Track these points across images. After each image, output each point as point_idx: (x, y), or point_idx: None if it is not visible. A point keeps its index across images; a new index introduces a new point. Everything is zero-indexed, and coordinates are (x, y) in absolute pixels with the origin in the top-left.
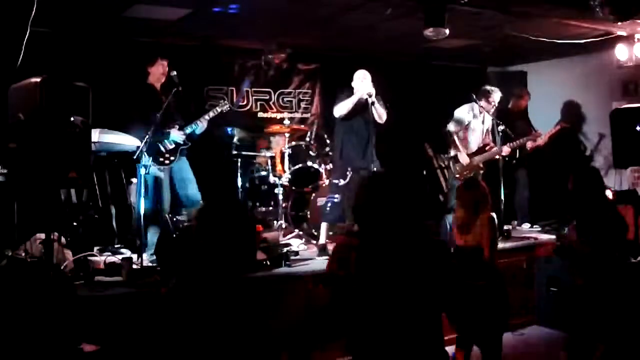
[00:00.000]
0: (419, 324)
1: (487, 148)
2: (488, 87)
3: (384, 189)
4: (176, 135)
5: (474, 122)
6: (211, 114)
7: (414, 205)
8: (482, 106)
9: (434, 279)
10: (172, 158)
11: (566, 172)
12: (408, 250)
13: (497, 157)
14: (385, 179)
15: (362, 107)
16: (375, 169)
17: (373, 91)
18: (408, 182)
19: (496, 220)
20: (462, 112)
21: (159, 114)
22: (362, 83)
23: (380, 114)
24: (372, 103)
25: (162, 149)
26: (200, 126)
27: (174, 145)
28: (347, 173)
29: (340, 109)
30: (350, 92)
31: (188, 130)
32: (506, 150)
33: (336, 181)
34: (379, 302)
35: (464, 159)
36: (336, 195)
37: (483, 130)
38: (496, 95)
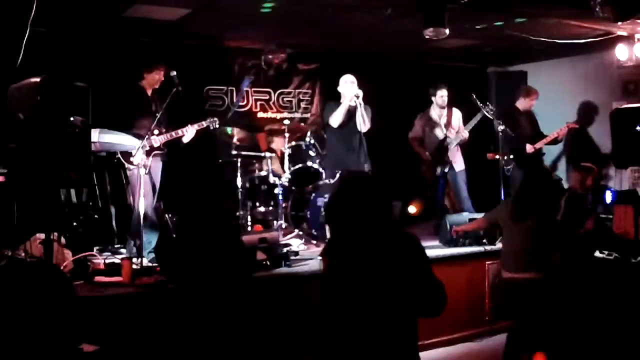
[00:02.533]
0: (389, 326)
1: (445, 143)
2: (434, 85)
3: (350, 193)
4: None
5: (430, 122)
6: (196, 126)
7: (381, 207)
8: (436, 105)
9: (406, 276)
10: (141, 158)
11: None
12: (375, 250)
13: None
14: (352, 183)
15: (352, 114)
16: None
17: (360, 93)
18: (376, 184)
19: None
20: (417, 118)
21: (148, 117)
22: (349, 87)
23: (364, 119)
24: (360, 104)
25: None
26: (186, 136)
27: (148, 148)
28: (337, 172)
29: (336, 118)
30: (338, 99)
31: (167, 137)
32: (465, 135)
33: (326, 181)
34: (345, 303)
35: (427, 157)
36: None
37: (443, 127)
38: (440, 90)
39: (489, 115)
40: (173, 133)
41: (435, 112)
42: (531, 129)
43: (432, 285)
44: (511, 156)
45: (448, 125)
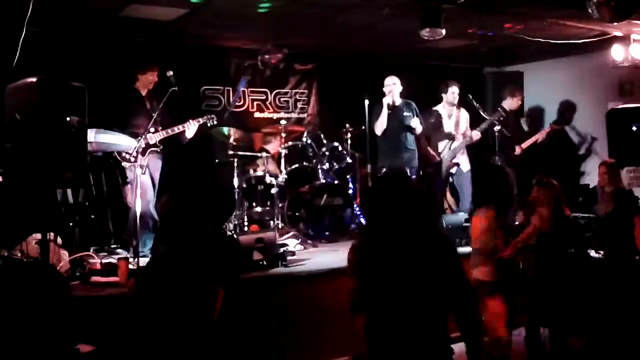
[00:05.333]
0: (424, 320)
1: (451, 144)
2: (445, 82)
3: (392, 189)
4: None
5: (439, 120)
6: (195, 122)
7: (421, 204)
8: (449, 98)
9: (441, 275)
10: (138, 157)
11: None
12: (414, 247)
13: (467, 144)
14: (393, 179)
15: (395, 115)
16: (406, 169)
17: (391, 100)
18: (413, 182)
19: None
20: (425, 115)
21: (144, 117)
22: (388, 90)
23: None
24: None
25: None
26: (189, 131)
27: (144, 146)
28: (383, 170)
29: (379, 127)
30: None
31: (163, 134)
32: (476, 135)
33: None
34: (383, 297)
35: (435, 159)
36: None
37: (453, 128)
38: (451, 87)
39: (500, 119)
40: (169, 130)
41: (444, 111)
42: (517, 129)
43: (464, 283)
44: (502, 155)
45: (457, 125)
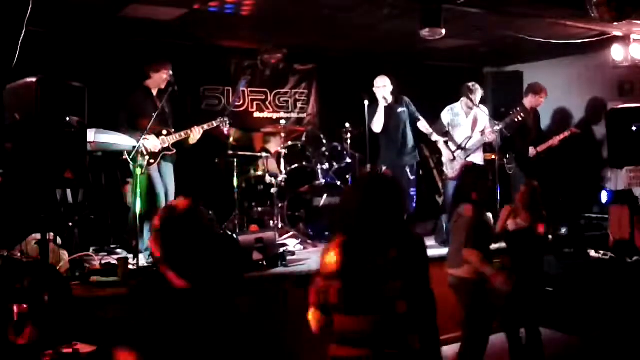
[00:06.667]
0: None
1: (465, 144)
2: (470, 84)
3: (368, 190)
4: (158, 141)
5: (456, 120)
6: (206, 126)
7: (396, 205)
8: (469, 101)
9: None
10: (151, 161)
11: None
12: (387, 246)
13: (485, 141)
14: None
15: (391, 113)
16: (407, 167)
17: (387, 95)
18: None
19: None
20: (442, 114)
21: (153, 115)
22: (379, 90)
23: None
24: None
25: (144, 150)
26: (192, 136)
27: (159, 149)
28: (381, 168)
29: (377, 124)
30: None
31: (176, 137)
32: (491, 135)
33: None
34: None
35: (446, 156)
36: None
37: (470, 127)
38: (478, 92)
39: (519, 118)
40: (182, 133)
41: (462, 110)
42: (535, 129)
43: (423, 293)
44: (513, 155)
45: (474, 123)
